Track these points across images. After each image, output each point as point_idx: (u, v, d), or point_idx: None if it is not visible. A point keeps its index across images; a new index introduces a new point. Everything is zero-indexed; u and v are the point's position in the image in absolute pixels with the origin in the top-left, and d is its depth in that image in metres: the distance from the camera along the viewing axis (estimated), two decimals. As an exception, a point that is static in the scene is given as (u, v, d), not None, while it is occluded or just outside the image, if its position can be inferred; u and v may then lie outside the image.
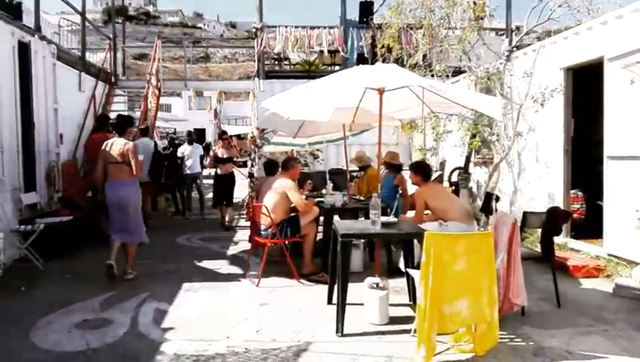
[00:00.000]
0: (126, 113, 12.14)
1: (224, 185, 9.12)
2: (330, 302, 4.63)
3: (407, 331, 3.89)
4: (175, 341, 3.86)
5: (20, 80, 6.77)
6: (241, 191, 12.09)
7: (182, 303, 4.80)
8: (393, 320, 4.19)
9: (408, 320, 4.13)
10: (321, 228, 5.98)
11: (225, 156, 9.14)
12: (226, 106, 32.50)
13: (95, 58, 12.41)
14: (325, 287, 4.81)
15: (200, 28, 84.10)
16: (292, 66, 13.84)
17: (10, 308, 4.63)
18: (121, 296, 4.94)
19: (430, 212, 5.31)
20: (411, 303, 4.55)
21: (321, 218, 5.94)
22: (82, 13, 10.27)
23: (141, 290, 5.12)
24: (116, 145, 5.62)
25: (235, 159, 9.46)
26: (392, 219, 4.59)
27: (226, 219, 9.06)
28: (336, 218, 5.72)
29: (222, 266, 6.22)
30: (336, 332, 3.94)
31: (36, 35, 7.51)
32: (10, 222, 6.00)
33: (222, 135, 10.07)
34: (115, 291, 5.11)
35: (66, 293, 5.08)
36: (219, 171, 9.17)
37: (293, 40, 11.92)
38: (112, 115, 10.06)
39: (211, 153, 9.94)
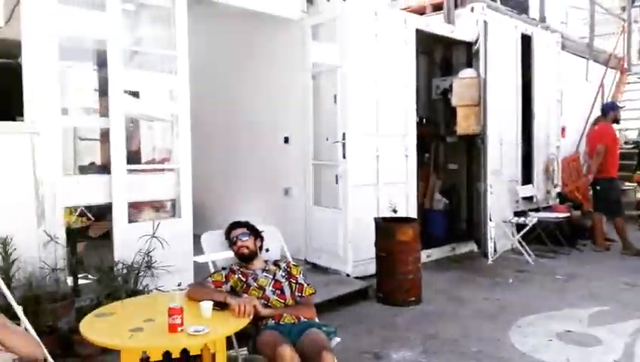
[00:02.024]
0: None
1: None
2: None
3: None
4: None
5: (521, 71, 6.77)
6: None
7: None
8: None
9: None
10: None
11: None
12: None
13: (607, 45, 11.30)
14: None
15: None
16: None
17: (498, 299, 4.64)
18: (613, 313, 4.16)
19: None
20: None
21: None
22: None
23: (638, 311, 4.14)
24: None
25: None
26: None
27: None
28: None
29: None
30: None
31: (539, 26, 7.38)
32: (504, 212, 6.15)
33: None
34: (607, 306, 4.35)
35: (553, 296, 4.73)
36: None
37: None
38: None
39: None
